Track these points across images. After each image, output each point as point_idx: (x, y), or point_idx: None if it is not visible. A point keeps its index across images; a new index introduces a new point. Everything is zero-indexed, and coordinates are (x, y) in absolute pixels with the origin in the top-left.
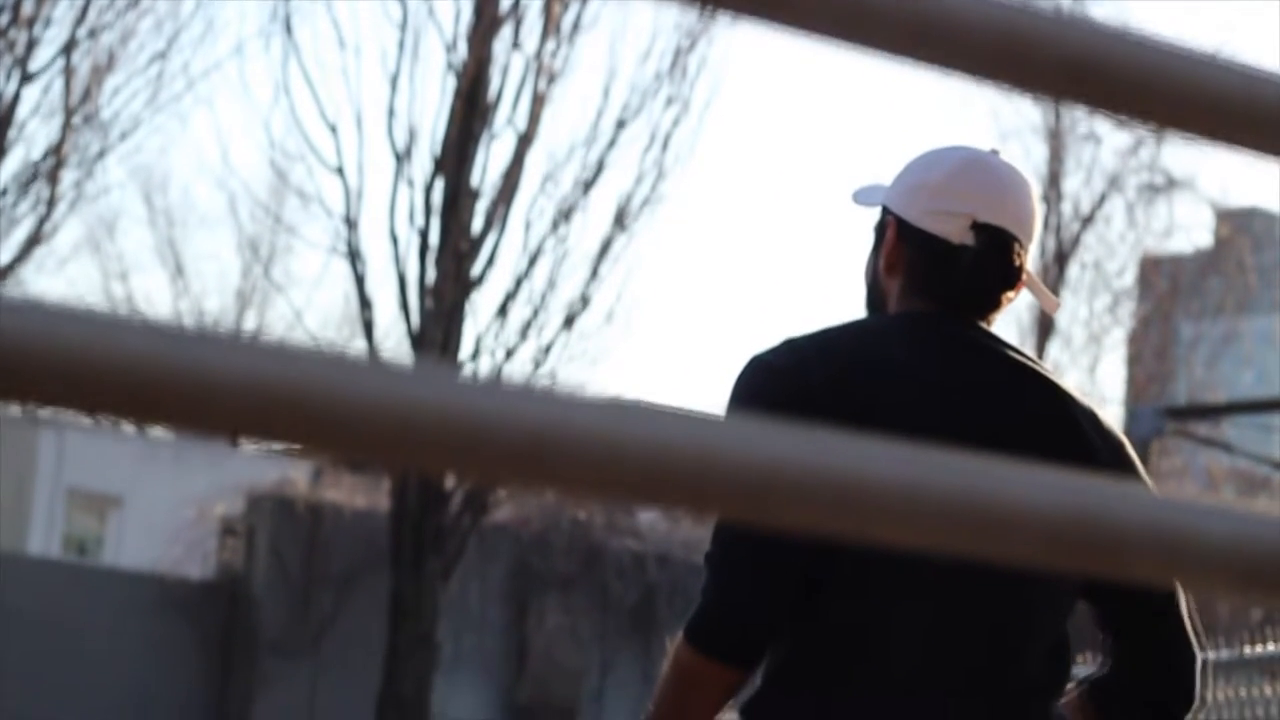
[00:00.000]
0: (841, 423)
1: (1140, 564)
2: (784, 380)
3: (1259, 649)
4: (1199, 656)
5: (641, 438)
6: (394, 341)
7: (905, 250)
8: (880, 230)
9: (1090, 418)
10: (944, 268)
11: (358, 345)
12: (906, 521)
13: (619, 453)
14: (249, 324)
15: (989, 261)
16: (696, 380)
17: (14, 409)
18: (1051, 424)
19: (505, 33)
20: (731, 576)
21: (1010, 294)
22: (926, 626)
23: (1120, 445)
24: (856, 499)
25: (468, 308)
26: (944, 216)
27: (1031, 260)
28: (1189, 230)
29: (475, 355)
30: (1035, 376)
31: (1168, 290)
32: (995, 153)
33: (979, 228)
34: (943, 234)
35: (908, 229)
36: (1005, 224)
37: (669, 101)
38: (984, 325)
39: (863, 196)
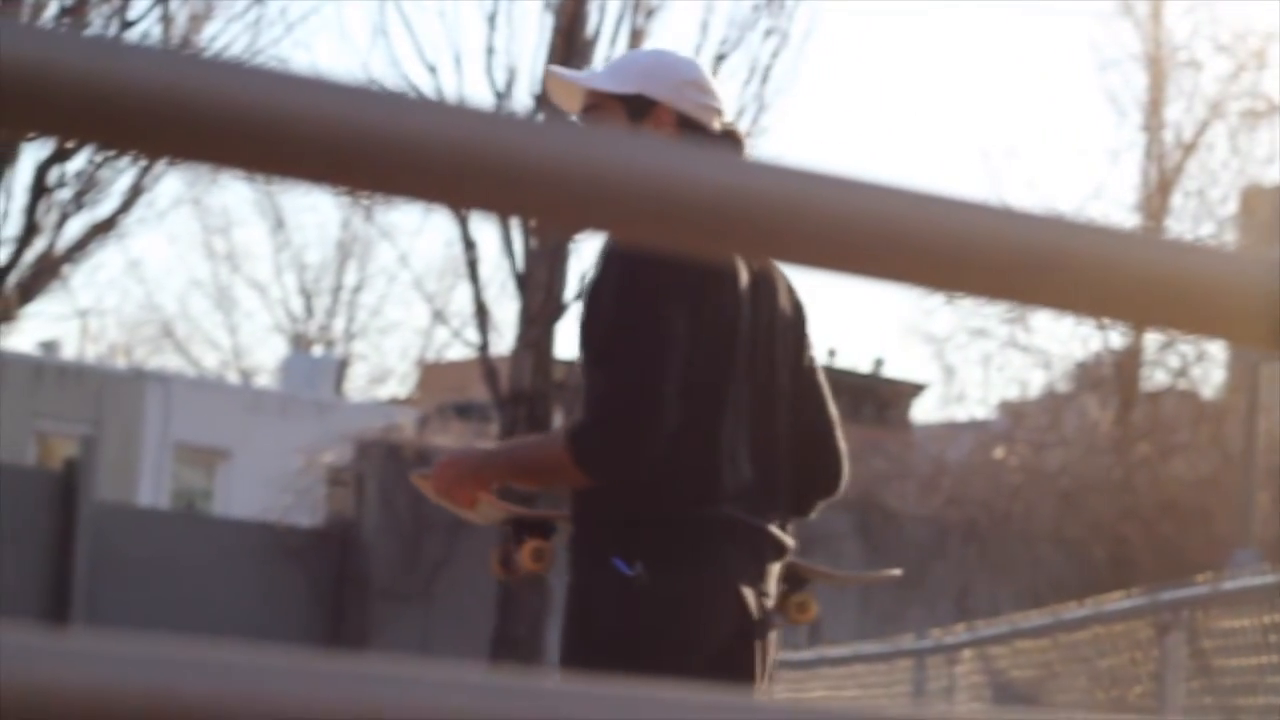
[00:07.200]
0: (702, 293)
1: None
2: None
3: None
4: (844, 454)
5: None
6: (498, 285)
7: (679, 137)
8: (636, 113)
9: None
10: None
11: (462, 291)
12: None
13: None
14: (350, 276)
15: (735, 150)
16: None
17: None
18: (790, 291)
19: None
20: (630, 402)
21: None
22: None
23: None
24: (845, 237)
25: (571, 246)
26: (707, 110)
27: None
28: None
29: (579, 295)
30: None
31: (1271, 219)
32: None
33: (721, 120)
34: (707, 124)
35: (684, 119)
36: (730, 116)
37: (768, 33)
38: None
39: (604, 81)
